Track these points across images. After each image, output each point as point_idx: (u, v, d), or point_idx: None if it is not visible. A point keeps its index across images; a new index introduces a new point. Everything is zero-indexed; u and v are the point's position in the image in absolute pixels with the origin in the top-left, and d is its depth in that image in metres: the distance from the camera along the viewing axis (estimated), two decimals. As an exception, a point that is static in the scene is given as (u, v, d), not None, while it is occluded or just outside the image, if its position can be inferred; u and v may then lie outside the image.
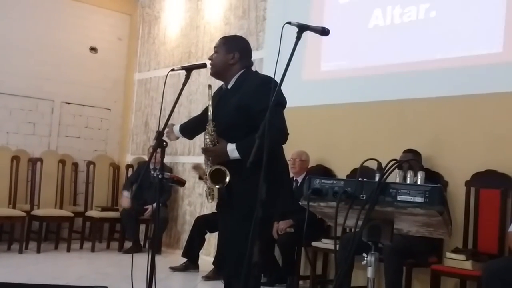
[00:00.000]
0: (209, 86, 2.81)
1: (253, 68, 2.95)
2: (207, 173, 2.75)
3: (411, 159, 3.98)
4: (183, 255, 5.56)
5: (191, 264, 5.47)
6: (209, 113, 2.71)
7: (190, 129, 3.16)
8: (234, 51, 2.85)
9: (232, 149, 2.65)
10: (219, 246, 2.96)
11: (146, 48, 7.77)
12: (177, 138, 3.18)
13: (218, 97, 2.87)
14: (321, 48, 5.28)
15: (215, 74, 2.87)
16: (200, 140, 3.03)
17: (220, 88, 2.97)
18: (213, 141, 2.70)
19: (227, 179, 2.64)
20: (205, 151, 2.72)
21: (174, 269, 5.44)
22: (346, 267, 3.29)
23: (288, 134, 2.71)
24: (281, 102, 2.68)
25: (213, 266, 5.08)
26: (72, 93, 7.30)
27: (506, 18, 4.09)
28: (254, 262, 2.13)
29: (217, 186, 2.67)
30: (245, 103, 2.50)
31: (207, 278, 5.06)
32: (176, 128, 3.15)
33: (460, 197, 4.12)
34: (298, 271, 4.87)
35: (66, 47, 7.27)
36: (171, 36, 7.34)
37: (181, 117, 6.83)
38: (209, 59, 2.89)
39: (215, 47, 2.90)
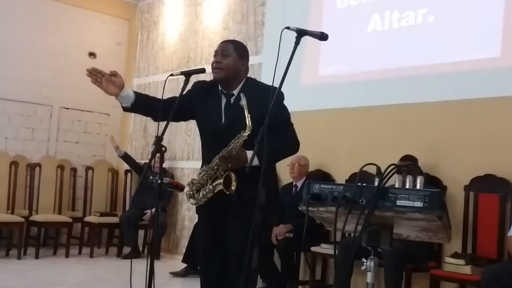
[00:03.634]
0: (243, 95, 2.70)
1: (252, 74, 2.94)
2: (207, 177, 2.75)
3: (410, 164, 3.97)
4: (183, 260, 5.56)
5: (191, 269, 5.46)
6: (248, 122, 2.61)
7: (153, 106, 2.80)
8: (244, 58, 2.83)
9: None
10: (207, 249, 2.90)
11: (145, 53, 7.79)
12: (116, 95, 2.74)
13: (224, 102, 2.81)
14: (320, 53, 5.29)
15: (224, 78, 2.78)
16: (199, 144, 3.00)
17: (209, 87, 2.88)
18: (236, 148, 2.64)
19: (234, 184, 2.64)
20: (227, 158, 2.65)
21: (174, 274, 5.43)
22: (345, 272, 3.28)
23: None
24: (289, 113, 2.82)
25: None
26: (70, 98, 7.30)
27: (504, 23, 4.10)
28: (253, 267, 2.13)
29: (228, 192, 2.66)
30: (267, 113, 2.44)
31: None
32: (129, 91, 2.80)
33: (459, 202, 4.12)
34: (297, 276, 4.86)
35: (65, 52, 7.27)
36: (170, 41, 7.35)
37: (179, 122, 6.83)
38: (218, 61, 2.77)
39: (222, 50, 2.79)
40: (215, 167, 2.71)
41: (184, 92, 2.84)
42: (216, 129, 2.79)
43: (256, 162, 2.46)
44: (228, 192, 2.65)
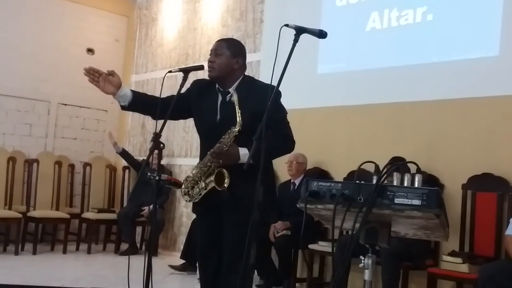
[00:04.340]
0: (234, 91, 2.74)
1: (250, 71, 2.95)
2: (200, 174, 2.76)
3: (409, 161, 3.97)
4: (182, 257, 5.57)
5: (190, 266, 5.47)
6: (238, 118, 2.64)
7: (151, 105, 2.83)
8: (238, 56, 2.84)
9: (244, 154, 2.63)
10: (204, 246, 2.92)
11: (143, 50, 7.77)
12: (114, 94, 2.77)
13: (220, 100, 2.83)
14: (319, 50, 5.29)
15: (217, 77, 2.81)
16: (198, 141, 3.01)
17: (207, 85, 2.90)
18: (227, 144, 2.66)
19: (227, 180, 2.64)
20: (218, 154, 2.67)
21: (174, 267, 5.45)
22: (343, 270, 3.28)
23: (295, 142, 2.84)
24: (286, 111, 2.81)
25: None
26: (68, 94, 7.29)
27: (503, 22, 4.10)
28: (251, 264, 2.13)
29: (220, 188, 2.67)
30: (261, 111, 2.44)
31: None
32: (127, 90, 2.83)
33: (457, 200, 4.13)
34: (295, 273, 4.86)
35: (63, 48, 7.26)
36: (168, 38, 7.34)
37: (178, 119, 6.83)
38: (211, 61, 2.81)
39: (216, 49, 2.82)
40: (208, 163, 2.73)
41: (183, 91, 2.86)
42: (211, 126, 2.81)
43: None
44: (220, 189, 2.66)
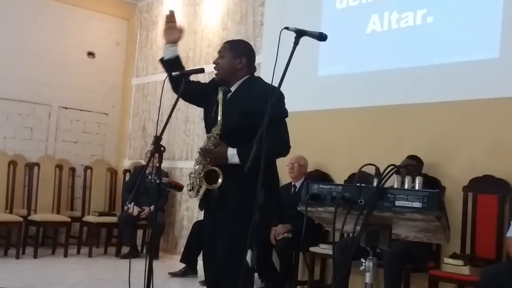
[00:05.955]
0: (221, 88, 2.79)
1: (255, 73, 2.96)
2: (195, 171, 2.79)
3: (409, 164, 3.98)
4: (182, 260, 5.55)
5: (190, 269, 5.46)
6: (218, 117, 2.70)
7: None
8: (241, 56, 2.86)
9: (232, 154, 2.67)
10: (207, 246, 2.94)
11: (143, 53, 7.78)
12: (169, 42, 3.07)
13: (221, 99, 2.86)
14: (319, 53, 5.29)
15: (222, 78, 2.86)
16: (198, 144, 3.02)
17: (218, 83, 2.94)
18: (215, 143, 2.69)
19: (220, 180, 2.66)
20: (204, 152, 2.71)
21: (173, 274, 5.43)
22: (343, 273, 3.28)
23: (290, 147, 2.80)
24: (286, 113, 2.78)
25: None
26: (69, 98, 7.29)
27: (503, 24, 4.10)
28: (251, 267, 2.13)
29: (210, 187, 2.69)
30: (253, 110, 2.46)
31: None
32: (176, 50, 3.04)
33: (458, 203, 4.12)
34: (296, 276, 4.86)
35: (64, 52, 7.26)
36: (169, 41, 7.33)
37: (178, 122, 6.84)
38: (215, 63, 2.87)
39: (220, 51, 2.88)
40: (202, 161, 2.79)
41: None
42: (212, 122, 2.84)
43: (236, 160, 2.61)
44: (210, 187, 2.68)
